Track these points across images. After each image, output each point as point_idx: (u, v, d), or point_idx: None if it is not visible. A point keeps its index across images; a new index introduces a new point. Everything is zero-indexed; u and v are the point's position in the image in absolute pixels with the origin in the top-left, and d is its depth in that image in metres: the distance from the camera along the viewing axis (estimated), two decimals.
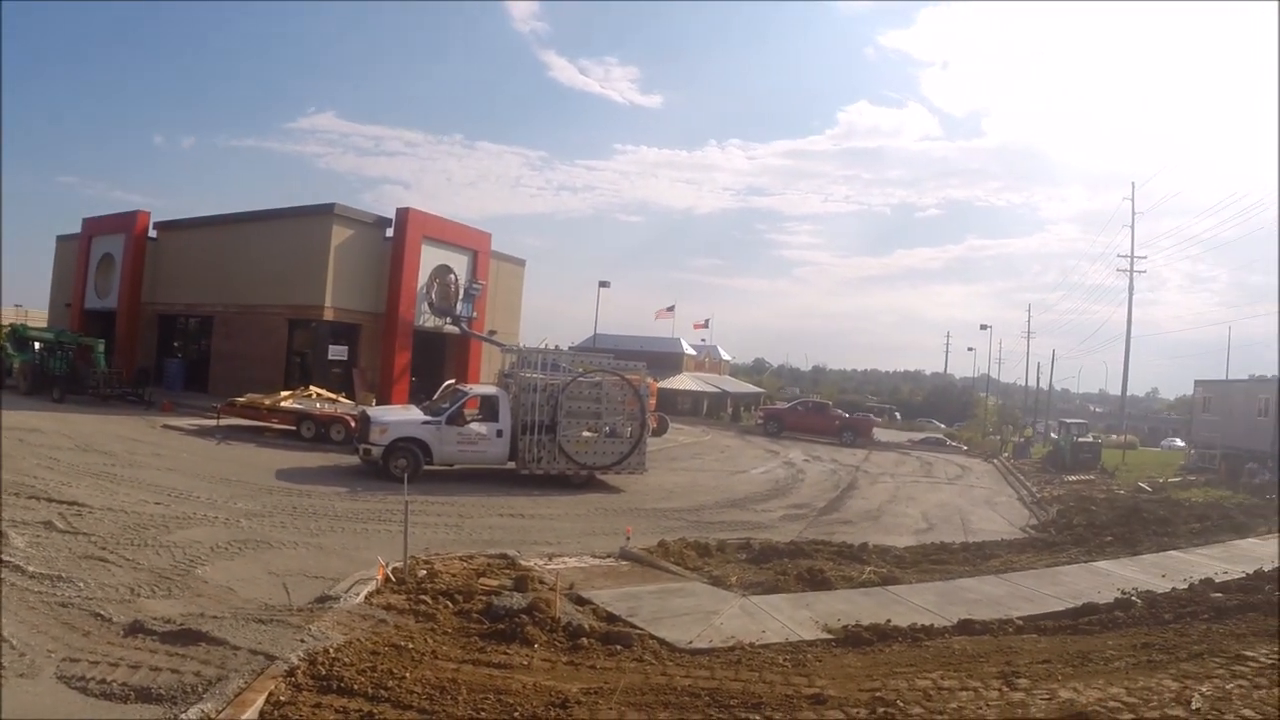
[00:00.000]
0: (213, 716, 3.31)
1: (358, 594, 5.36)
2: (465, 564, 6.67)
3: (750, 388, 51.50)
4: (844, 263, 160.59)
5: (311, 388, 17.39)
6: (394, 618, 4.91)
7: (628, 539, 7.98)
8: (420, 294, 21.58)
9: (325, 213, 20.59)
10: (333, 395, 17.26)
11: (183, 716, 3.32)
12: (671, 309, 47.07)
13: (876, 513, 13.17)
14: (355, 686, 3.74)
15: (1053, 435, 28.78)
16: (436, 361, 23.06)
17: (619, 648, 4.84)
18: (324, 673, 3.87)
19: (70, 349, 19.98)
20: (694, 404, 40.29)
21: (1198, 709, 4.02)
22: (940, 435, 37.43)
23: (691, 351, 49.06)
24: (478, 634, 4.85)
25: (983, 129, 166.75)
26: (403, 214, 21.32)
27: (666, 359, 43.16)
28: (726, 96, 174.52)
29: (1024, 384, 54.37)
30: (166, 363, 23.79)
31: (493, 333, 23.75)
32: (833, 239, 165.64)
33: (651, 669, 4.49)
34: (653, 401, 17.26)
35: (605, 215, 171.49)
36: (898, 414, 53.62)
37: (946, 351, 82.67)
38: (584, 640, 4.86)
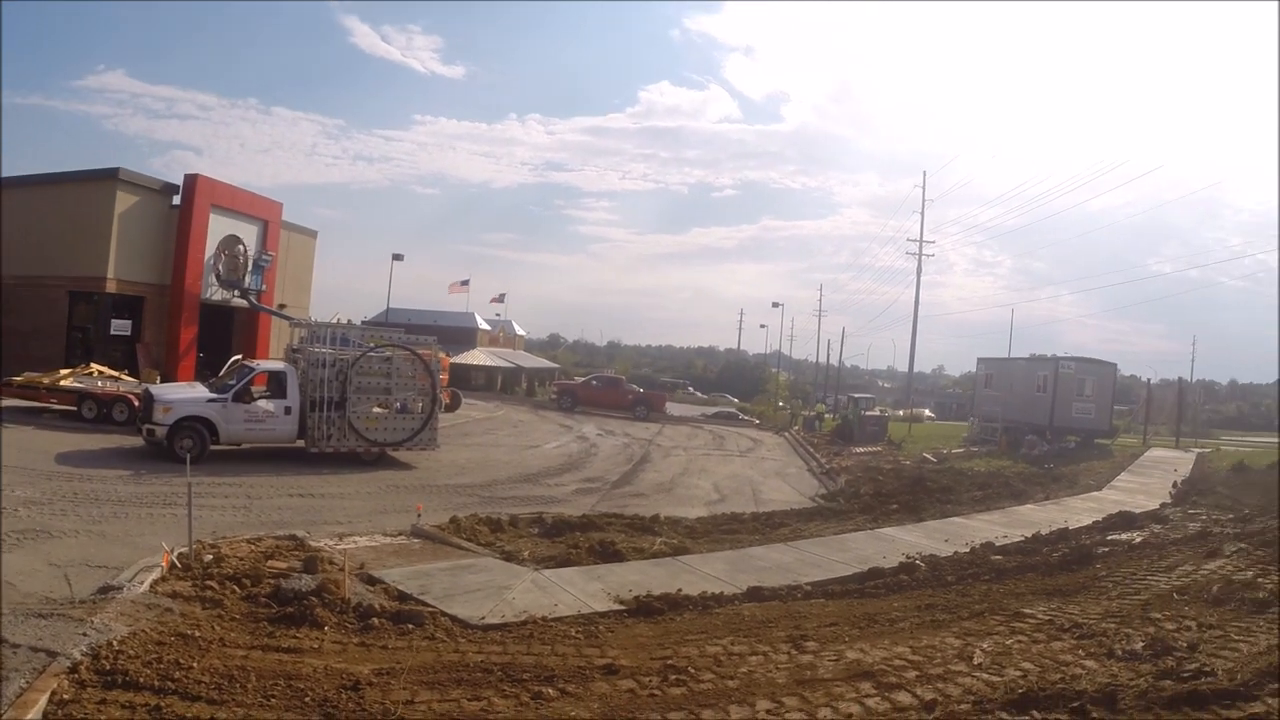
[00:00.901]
0: None
1: (142, 582, 5.26)
2: (253, 547, 6.68)
3: (545, 363, 51.57)
4: (640, 239, 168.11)
5: (93, 365, 16.11)
6: (180, 605, 4.83)
7: (419, 516, 8.05)
8: (208, 265, 20.68)
9: (109, 178, 19.16)
10: (115, 373, 16.08)
11: None
12: (466, 283, 47.21)
13: (669, 485, 13.67)
14: (141, 679, 3.65)
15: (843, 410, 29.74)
16: (224, 337, 22.40)
17: (411, 626, 4.83)
18: (108, 667, 3.76)
19: None
20: (488, 379, 39.72)
21: (979, 664, 4.21)
22: (733, 410, 38.62)
23: (486, 326, 48.93)
24: (266, 618, 4.79)
25: (781, 114, 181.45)
26: (191, 180, 20.26)
27: (460, 334, 42.35)
28: (529, 70, 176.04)
29: (815, 360, 59.34)
30: None
31: (282, 306, 23.23)
32: (630, 216, 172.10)
33: (444, 646, 4.48)
34: (445, 377, 17.87)
35: (402, 187, 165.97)
36: (692, 388, 55.57)
37: (740, 328, 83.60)
38: (375, 620, 4.84)
